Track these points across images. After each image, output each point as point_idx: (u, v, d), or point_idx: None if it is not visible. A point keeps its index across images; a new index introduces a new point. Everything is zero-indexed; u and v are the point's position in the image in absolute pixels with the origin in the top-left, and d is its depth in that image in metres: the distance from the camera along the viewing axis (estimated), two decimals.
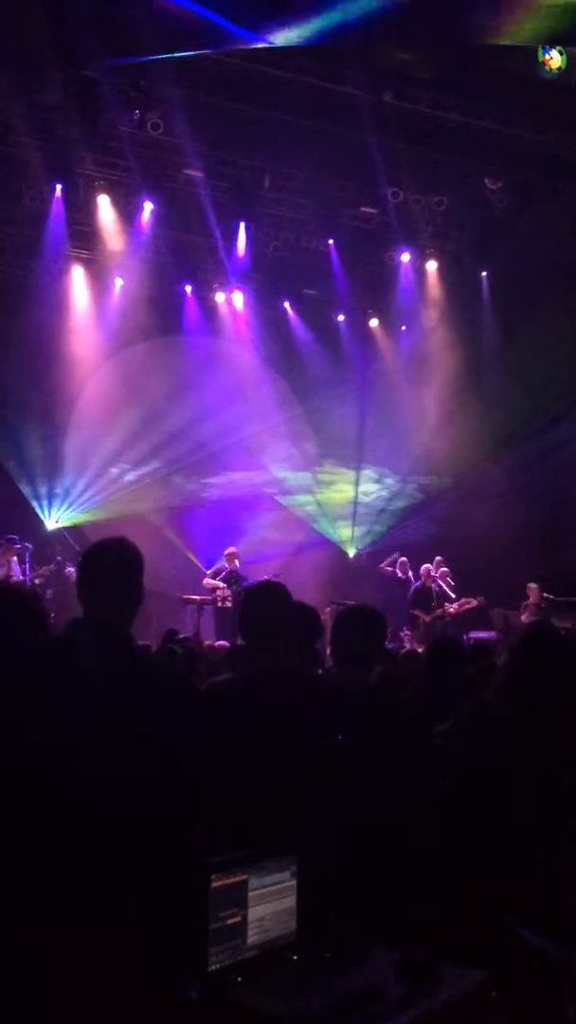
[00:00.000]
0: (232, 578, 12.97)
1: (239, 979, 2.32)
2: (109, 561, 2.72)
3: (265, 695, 2.98)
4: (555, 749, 3.14)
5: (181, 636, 7.31)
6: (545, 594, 12.23)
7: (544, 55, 10.20)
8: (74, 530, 13.89)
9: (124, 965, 2.26)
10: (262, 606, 3.16)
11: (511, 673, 3.35)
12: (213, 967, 2.31)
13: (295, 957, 2.46)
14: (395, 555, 14.01)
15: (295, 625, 3.23)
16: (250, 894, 2.41)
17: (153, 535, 14.15)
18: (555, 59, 10.20)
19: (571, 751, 3.17)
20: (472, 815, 3.07)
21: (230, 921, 2.36)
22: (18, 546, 12.25)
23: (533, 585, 12.35)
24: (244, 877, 2.40)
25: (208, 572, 13.76)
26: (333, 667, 4.20)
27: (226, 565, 13.33)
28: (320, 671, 4.71)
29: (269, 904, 2.45)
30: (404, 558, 13.99)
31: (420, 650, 6.91)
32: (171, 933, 2.33)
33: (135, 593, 2.71)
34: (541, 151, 11.67)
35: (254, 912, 2.41)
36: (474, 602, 12.79)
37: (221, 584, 12.98)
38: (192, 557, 15.14)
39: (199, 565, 14.93)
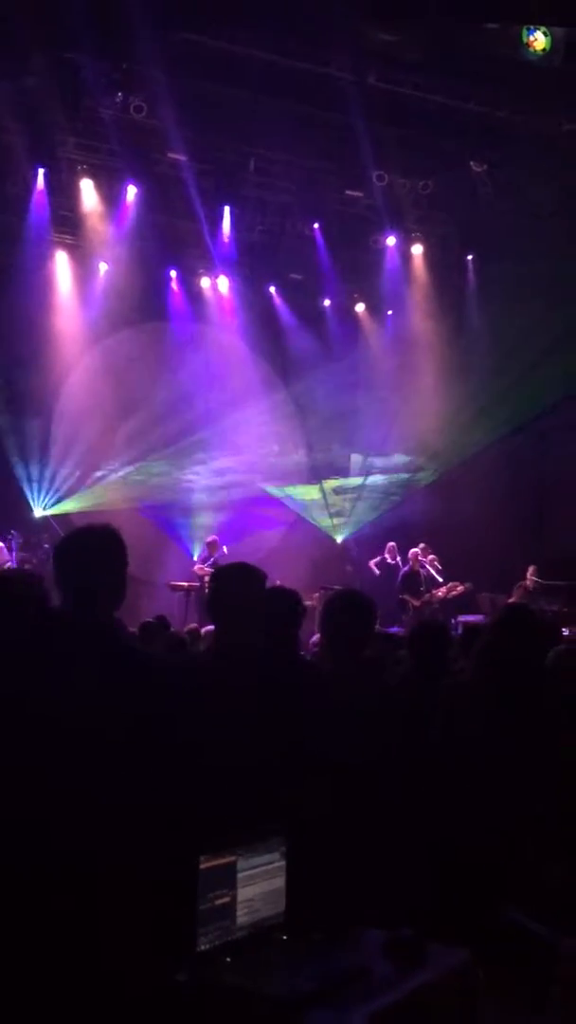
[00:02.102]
0: (215, 566, 12.99)
1: (228, 959, 2.33)
2: (90, 549, 2.65)
3: (229, 674, 2.97)
4: (532, 728, 3.17)
5: (157, 622, 7.29)
6: (535, 578, 12.28)
7: (528, 37, 10.16)
8: (61, 518, 13.84)
9: (113, 946, 2.27)
10: (228, 587, 3.15)
11: (487, 654, 3.37)
12: (202, 947, 2.32)
13: (284, 937, 2.48)
14: (381, 557, 14.01)
15: (263, 606, 3.20)
16: (239, 875, 2.41)
17: (140, 522, 14.13)
18: (539, 40, 10.16)
19: (548, 730, 3.20)
20: (455, 795, 3.09)
21: (219, 902, 2.37)
22: (12, 534, 12.26)
23: (531, 568, 12.38)
24: (233, 858, 2.41)
25: (196, 560, 13.79)
26: (322, 651, 4.21)
27: (209, 553, 13.35)
28: (305, 655, 4.72)
29: (258, 884, 2.46)
30: (392, 543, 14.02)
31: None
32: (160, 914, 2.33)
33: (117, 582, 2.65)
34: (526, 133, 11.65)
35: (243, 893, 2.42)
36: (461, 587, 12.83)
37: (210, 570, 12.99)
38: (179, 544, 15.14)
39: (186, 552, 14.93)
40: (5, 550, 11.92)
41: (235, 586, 3.11)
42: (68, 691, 2.42)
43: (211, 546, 13.46)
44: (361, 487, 16.49)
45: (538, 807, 3.09)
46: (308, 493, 16.47)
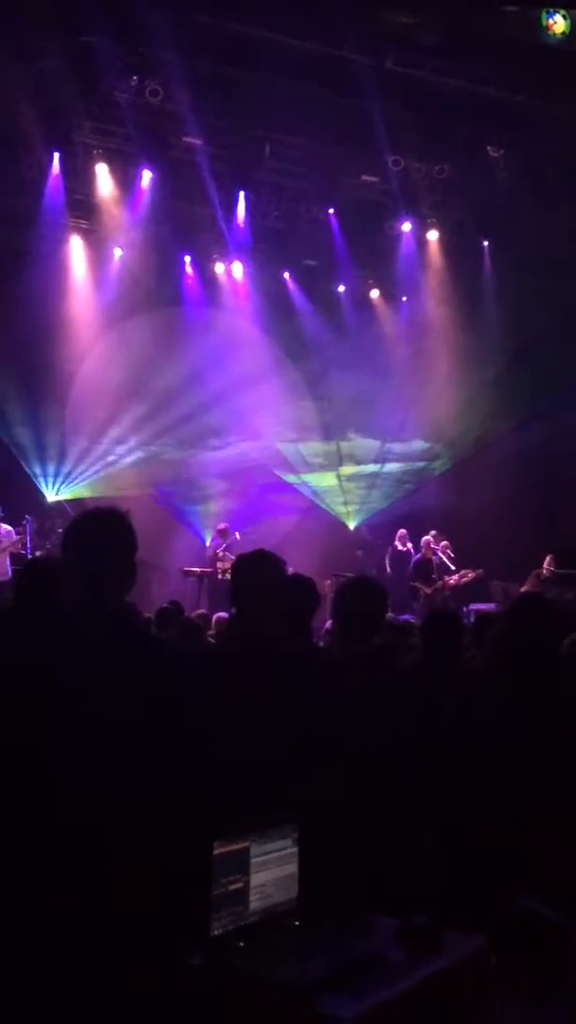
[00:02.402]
0: (227, 552, 13.05)
1: (241, 944, 2.35)
2: (98, 532, 2.61)
3: (247, 663, 2.97)
4: (546, 715, 3.16)
5: (172, 608, 7.34)
6: (551, 567, 12.23)
7: (547, 20, 10.06)
8: (75, 503, 13.88)
9: (128, 930, 2.28)
10: (251, 575, 3.15)
11: (501, 642, 3.37)
12: (216, 932, 2.33)
13: (297, 923, 2.49)
14: (392, 546, 13.97)
15: (285, 594, 3.20)
16: (252, 860, 2.43)
17: (152, 507, 14.15)
18: (559, 24, 10.06)
19: (562, 717, 3.19)
20: (468, 782, 3.09)
21: (232, 887, 2.38)
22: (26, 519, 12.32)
23: (548, 557, 12.32)
24: (246, 844, 2.42)
25: (209, 546, 13.83)
26: (334, 638, 4.21)
27: (222, 540, 13.39)
28: (319, 643, 4.72)
29: (271, 870, 2.47)
30: (403, 530, 14.00)
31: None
32: (174, 899, 2.34)
33: (127, 565, 2.61)
34: (544, 118, 11.53)
35: (256, 878, 2.43)
36: (472, 575, 12.80)
37: (223, 555, 13.02)
38: (191, 530, 15.16)
39: (199, 538, 14.95)
40: (14, 532, 11.95)
41: (257, 574, 3.11)
42: (80, 676, 2.42)
43: (223, 533, 13.49)
44: (375, 474, 16.46)
45: (551, 795, 3.09)
46: (321, 479, 16.46)
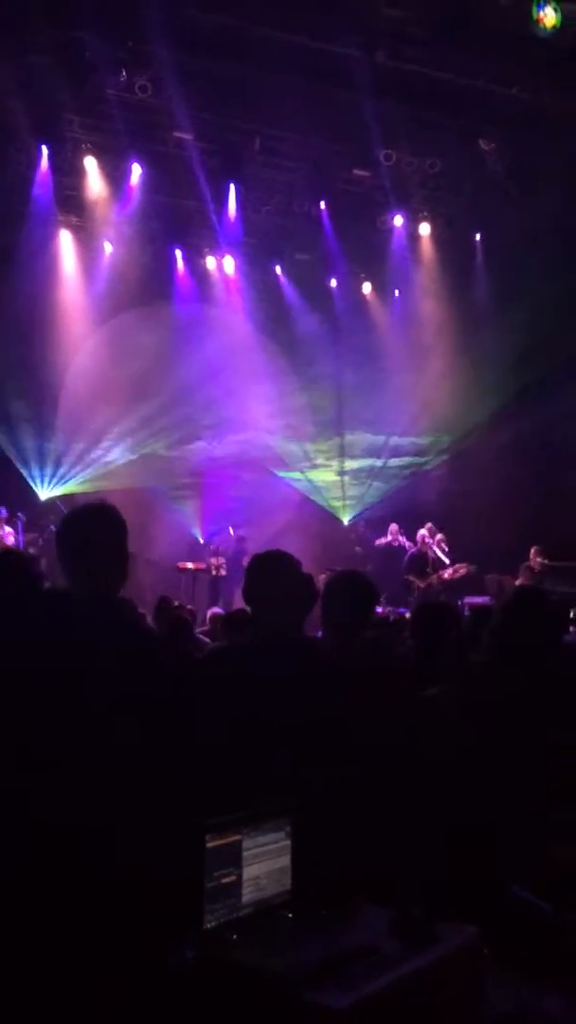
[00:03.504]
0: (222, 548, 13.11)
1: (234, 937, 2.34)
2: (88, 527, 2.65)
3: (262, 660, 2.99)
4: (542, 708, 3.17)
5: (176, 604, 7.35)
6: (541, 559, 12.26)
7: (539, 12, 10.04)
8: (68, 499, 13.85)
9: (120, 924, 2.28)
10: (265, 574, 3.17)
11: (499, 635, 3.37)
12: (208, 925, 2.33)
13: (290, 915, 2.49)
14: (387, 542, 13.99)
15: (298, 594, 3.23)
16: (245, 853, 2.42)
17: (147, 504, 14.14)
18: (550, 16, 10.04)
19: (557, 710, 3.20)
20: (462, 774, 3.09)
21: (225, 880, 2.38)
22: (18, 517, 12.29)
23: (534, 549, 12.36)
24: (238, 837, 2.41)
25: (203, 541, 13.88)
26: (324, 632, 4.21)
27: (216, 536, 13.47)
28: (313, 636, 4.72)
29: (264, 863, 2.47)
30: (395, 524, 14.02)
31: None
32: (166, 892, 2.34)
33: (118, 559, 2.64)
34: (536, 111, 11.52)
35: (249, 871, 2.43)
36: (464, 569, 12.82)
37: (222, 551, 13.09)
38: (186, 526, 15.15)
39: (193, 534, 14.94)
40: (9, 536, 11.93)
41: (271, 575, 3.12)
42: (73, 665, 2.43)
43: (215, 531, 13.59)
44: (368, 468, 16.48)
45: (545, 787, 3.09)
46: (314, 474, 16.46)
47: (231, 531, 13.55)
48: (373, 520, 15.51)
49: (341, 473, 16.47)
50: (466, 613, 7.66)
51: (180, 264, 14.73)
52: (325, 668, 3.27)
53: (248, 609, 3.40)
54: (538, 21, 10.02)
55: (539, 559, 12.18)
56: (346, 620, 3.60)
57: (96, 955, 2.26)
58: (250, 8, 9.90)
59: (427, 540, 13.10)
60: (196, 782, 2.56)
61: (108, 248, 14.00)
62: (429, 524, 13.34)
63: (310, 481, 16.38)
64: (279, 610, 3.09)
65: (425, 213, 14.07)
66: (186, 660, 3.42)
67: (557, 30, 10.04)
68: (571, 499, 13.39)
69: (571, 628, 5.54)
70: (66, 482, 14.51)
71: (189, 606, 8.24)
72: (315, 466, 16.49)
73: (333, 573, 5.31)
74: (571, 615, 8.02)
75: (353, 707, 3.18)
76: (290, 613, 3.14)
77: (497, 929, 2.62)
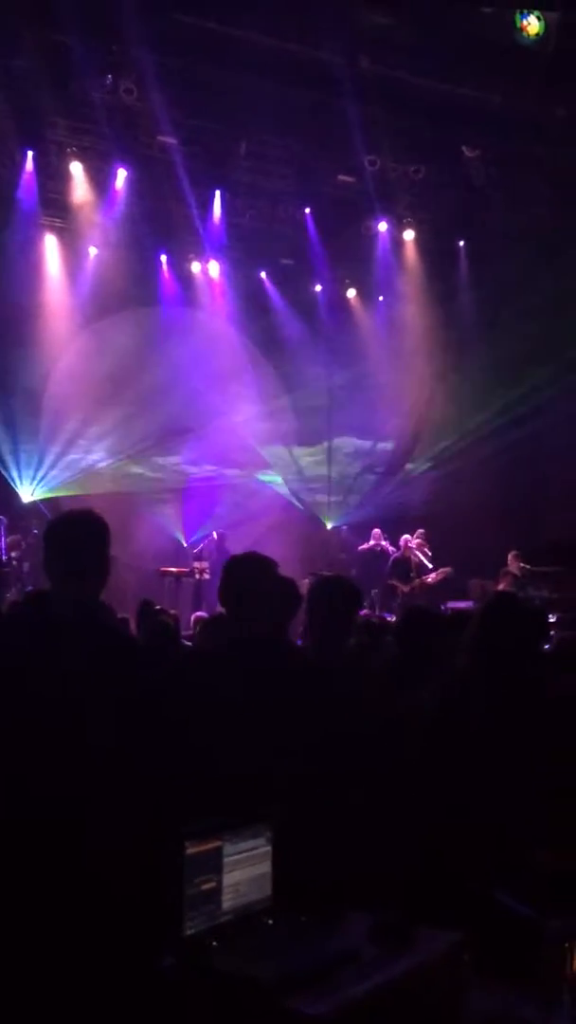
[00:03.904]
0: (203, 552, 13.12)
1: (214, 943, 2.33)
2: (73, 534, 2.73)
3: (237, 664, 2.99)
4: (521, 713, 3.18)
5: (157, 608, 7.31)
6: (522, 564, 12.31)
7: (522, 21, 10.12)
8: (51, 503, 13.80)
9: (99, 931, 2.26)
10: (240, 576, 3.17)
11: (477, 643, 3.38)
12: (188, 932, 2.32)
13: (271, 921, 2.48)
14: (370, 546, 14.03)
15: (274, 597, 3.24)
16: (225, 860, 2.41)
17: (131, 508, 14.10)
18: (533, 25, 10.12)
19: (536, 714, 3.21)
20: (444, 779, 3.10)
21: (205, 887, 2.37)
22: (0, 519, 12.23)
23: (512, 554, 12.41)
24: (219, 843, 2.40)
25: (187, 546, 13.85)
26: (307, 637, 4.21)
27: (201, 541, 13.46)
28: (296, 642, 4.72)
29: (244, 869, 2.46)
30: (378, 529, 14.05)
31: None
32: (146, 899, 2.33)
33: (101, 565, 2.73)
34: (519, 119, 11.60)
35: (229, 877, 2.42)
36: (440, 574, 12.85)
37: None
38: (170, 530, 15.11)
39: (177, 538, 14.91)
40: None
41: (247, 576, 3.13)
42: (54, 669, 2.43)
43: (204, 537, 13.60)
44: (353, 473, 16.49)
45: (528, 793, 3.10)
46: (299, 478, 16.46)
47: (214, 535, 13.53)
48: (357, 525, 15.53)
49: (325, 478, 16.48)
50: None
51: (165, 268, 14.72)
52: (298, 665, 3.27)
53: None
54: (521, 30, 10.11)
55: (518, 564, 12.23)
56: (330, 625, 3.60)
57: (75, 962, 2.25)
58: (235, 13, 9.92)
59: (410, 544, 13.12)
60: (174, 784, 2.55)
61: (93, 252, 13.96)
62: (421, 531, 13.35)
63: (294, 485, 16.38)
64: (253, 610, 3.10)
65: (409, 219, 14.12)
66: (165, 663, 3.40)
67: (540, 38, 10.13)
68: (555, 503, 13.46)
69: (551, 633, 5.55)
70: (48, 485, 14.45)
71: (173, 611, 8.20)
72: (300, 470, 16.49)
73: (317, 578, 5.29)
74: (552, 619, 8.04)
75: (335, 712, 3.18)
76: (264, 613, 3.15)
77: (479, 935, 2.62)
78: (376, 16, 10.13)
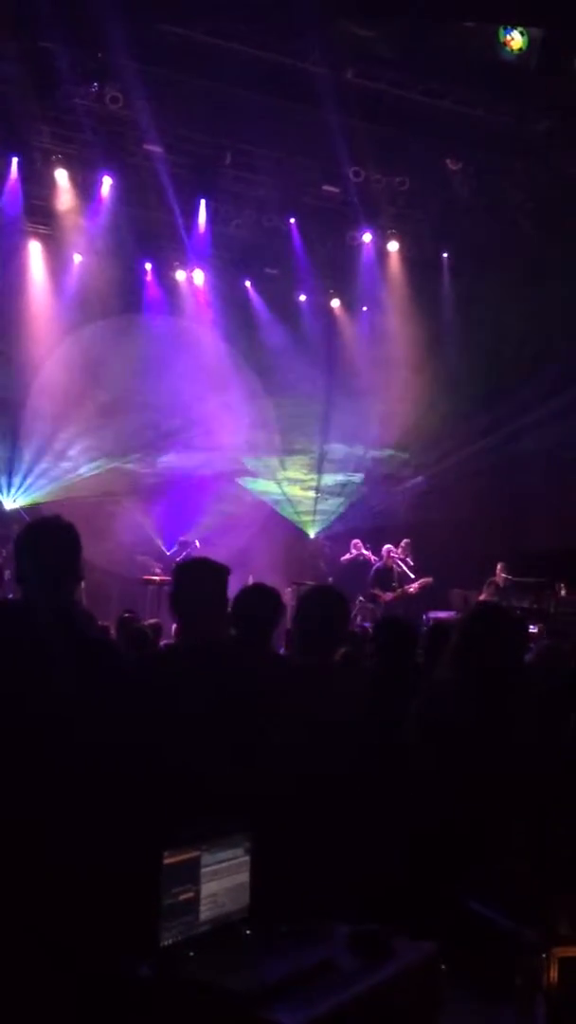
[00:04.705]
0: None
1: (192, 954, 2.33)
2: (44, 542, 2.76)
3: (185, 667, 3.01)
4: (502, 725, 3.19)
5: (127, 616, 7.35)
6: (505, 575, 12.36)
7: (505, 36, 10.22)
8: (32, 510, 13.74)
9: (76, 941, 2.26)
10: (185, 581, 3.22)
11: (459, 653, 3.39)
12: (166, 942, 2.31)
13: (248, 932, 2.48)
14: (351, 557, 14.04)
15: (225, 600, 3.27)
16: (203, 870, 2.41)
17: (114, 516, 14.07)
18: (516, 40, 10.22)
19: (516, 726, 3.22)
20: (423, 791, 3.10)
21: (183, 897, 2.37)
22: None
23: (500, 565, 12.45)
24: (196, 854, 2.40)
25: (169, 554, 13.80)
26: (292, 647, 4.21)
27: (180, 550, 13.41)
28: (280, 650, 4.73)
29: (222, 880, 2.46)
30: (358, 539, 14.09)
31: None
32: (123, 909, 2.33)
33: (74, 570, 2.76)
34: (501, 132, 11.70)
35: (207, 888, 2.42)
36: (421, 584, 12.88)
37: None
38: (153, 538, 15.08)
39: (160, 546, 14.88)
40: None
41: (196, 582, 3.15)
42: (35, 676, 2.44)
43: (182, 544, 13.52)
44: (334, 484, 16.52)
45: (504, 804, 3.11)
46: (281, 488, 16.47)
47: (197, 544, 13.52)
48: (339, 535, 15.55)
49: (308, 487, 16.50)
50: (428, 627, 7.69)
51: (149, 276, 14.72)
52: (242, 668, 3.29)
53: None
54: (504, 44, 10.21)
55: (503, 575, 12.29)
56: (319, 635, 3.59)
57: (52, 972, 2.24)
58: (220, 24, 9.96)
59: (392, 554, 13.15)
60: (147, 791, 2.55)
61: (78, 259, 13.96)
62: (407, 540, 13.38)
63: (277, 495, 16.39)
64: (202, 615, 3.13)
65: (394, 230, 14.20)
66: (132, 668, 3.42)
67: (523, 53, 10.23)
68: (535, 515, 13.52)
69: (531, 645, 5.59)
70: (31, 492, 14.39)
71: (155, 619, 8.19)
72: (282, 480, 16.50)
73: (305, 587, 5.30)
74: (532, 630, 8.09)
75: (318, 721, 3.18)
76: (213, 618, 3.17)
77: (455, 945, 2.63)
78: (361, 29, 10.19)
